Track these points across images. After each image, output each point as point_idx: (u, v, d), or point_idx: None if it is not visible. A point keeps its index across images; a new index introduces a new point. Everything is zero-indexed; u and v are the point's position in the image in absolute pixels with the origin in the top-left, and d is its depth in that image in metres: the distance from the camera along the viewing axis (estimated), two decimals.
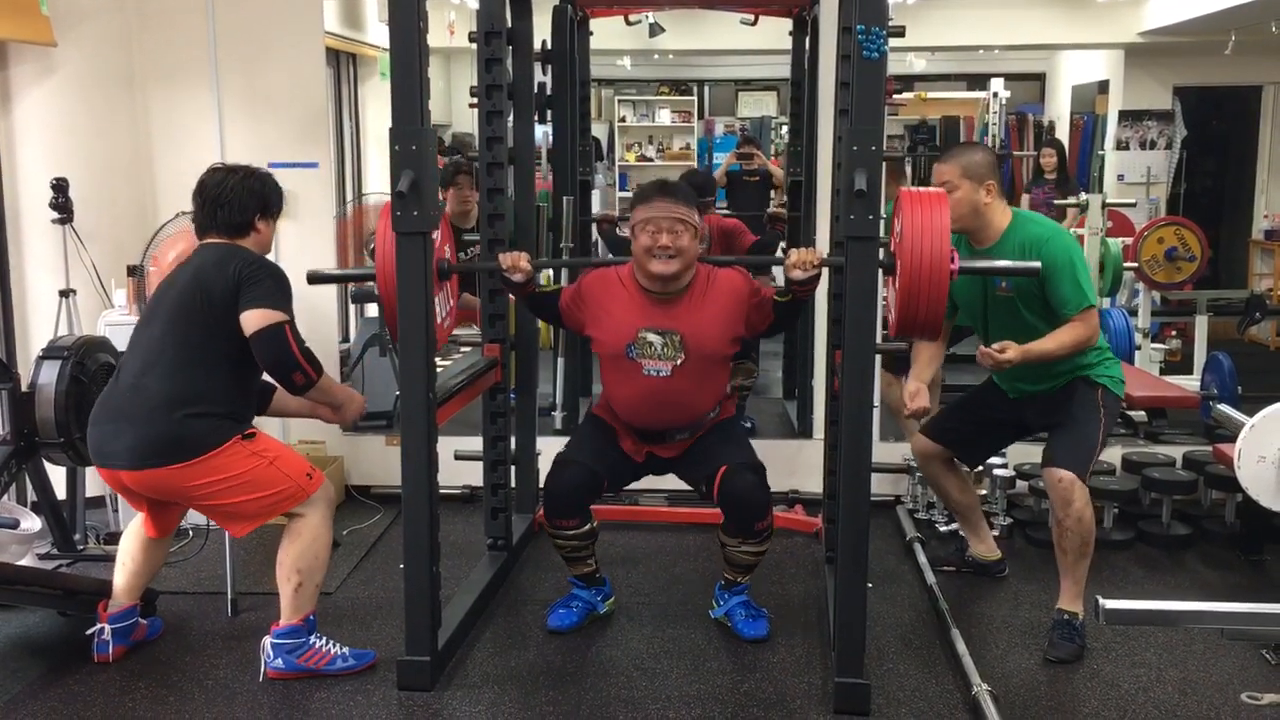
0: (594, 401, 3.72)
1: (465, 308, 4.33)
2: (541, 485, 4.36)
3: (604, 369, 3.51)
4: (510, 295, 3.70)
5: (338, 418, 3.39)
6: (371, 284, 3.31)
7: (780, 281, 3.32)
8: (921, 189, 2.97)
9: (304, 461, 3.24)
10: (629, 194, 11.49)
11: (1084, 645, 3.35)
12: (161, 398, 3.02)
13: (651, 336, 3.34)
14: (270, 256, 3.28)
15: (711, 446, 3.45)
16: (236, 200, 3.18)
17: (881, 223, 2.95)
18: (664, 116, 11.56)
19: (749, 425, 5.43)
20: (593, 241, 6.01)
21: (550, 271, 4.24)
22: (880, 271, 2.96)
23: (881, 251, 2.96)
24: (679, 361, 3.33)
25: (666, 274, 3.28)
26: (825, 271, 3.36)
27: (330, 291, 4.92)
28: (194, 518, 4.30)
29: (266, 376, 3.21)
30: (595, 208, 6.51)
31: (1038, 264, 3.15)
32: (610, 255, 6.02)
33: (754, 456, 3.45)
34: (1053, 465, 3.35)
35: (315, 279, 3.38)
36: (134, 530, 3.33)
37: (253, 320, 3.02)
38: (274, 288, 3.09)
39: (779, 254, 5.95)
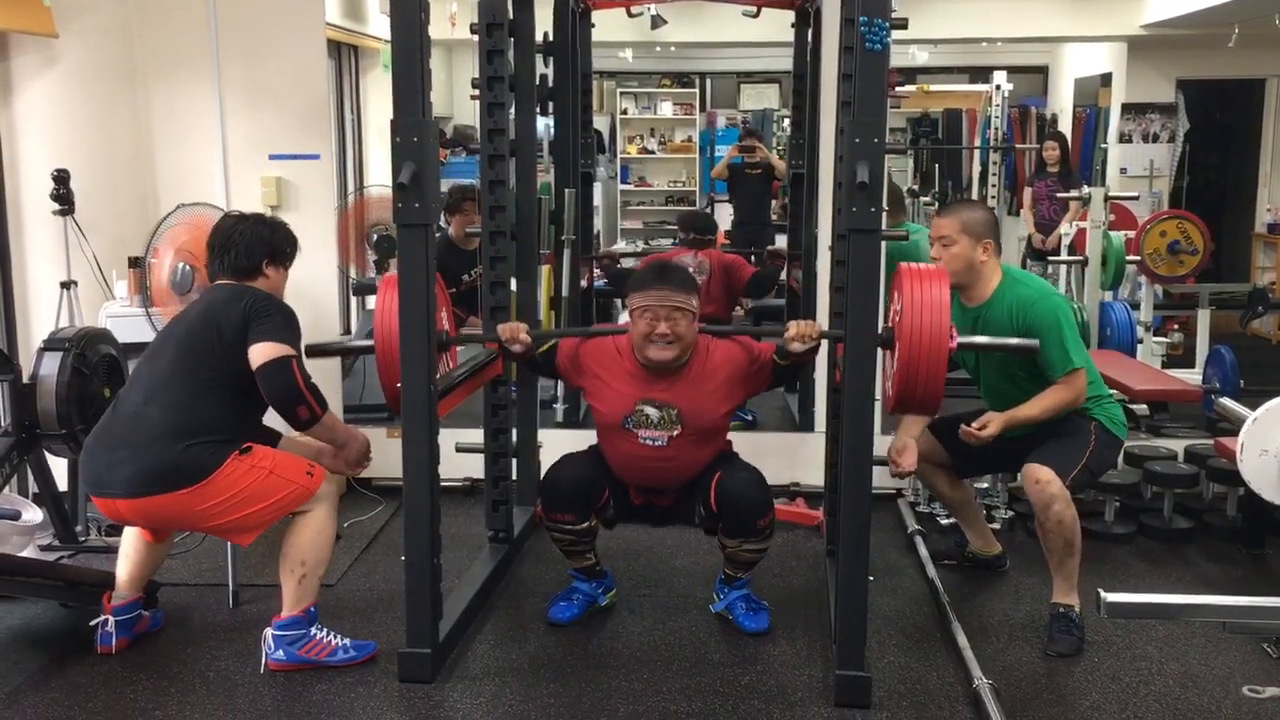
0: None
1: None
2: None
3: (600, 432, 3.51)
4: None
5: (341, 458, 3.38)
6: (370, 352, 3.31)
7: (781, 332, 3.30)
8: (921, 265, 3.00)
9: (303, 461, 3.24)
10: (631, 187, 11.50)
11: (1083, 637, 3.34)
12: (164, 427, 3.02)
13: (649, 410, 3.34)
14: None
15: (703, 474, 3.43)
16: (244, 245, 3.25)
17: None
18: (666, 109, 11.54)
19: (750, 419, 5.43)
20: (594, 273, 6.00)
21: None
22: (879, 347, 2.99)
23: (880, 326, 2.99)
24: (675, 433, 3.34)
25: (664, 361, 3.29)
26: (828, 266, 3.36)
27: (331, 284, 4.92)
28: None
29: (272, 418, 3.21)
30: (597, 200, 6.51)
31: (1036, 342, 3.18)
32: (613, 289, 6.06)
33: (749, 465, 3.46)
34: (1033, 464, 3.34)
35: (314, 352, 3.38)
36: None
37: (260, 353, 3.05)
38: (283, 323, 3.12)
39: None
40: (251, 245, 3.26)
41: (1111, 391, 3.67)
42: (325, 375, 4.78)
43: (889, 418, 5.07)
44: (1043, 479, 3.28)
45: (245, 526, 3.14)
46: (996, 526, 4.17)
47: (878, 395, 3.21)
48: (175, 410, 3.04)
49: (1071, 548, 3.33)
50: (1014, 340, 3.26)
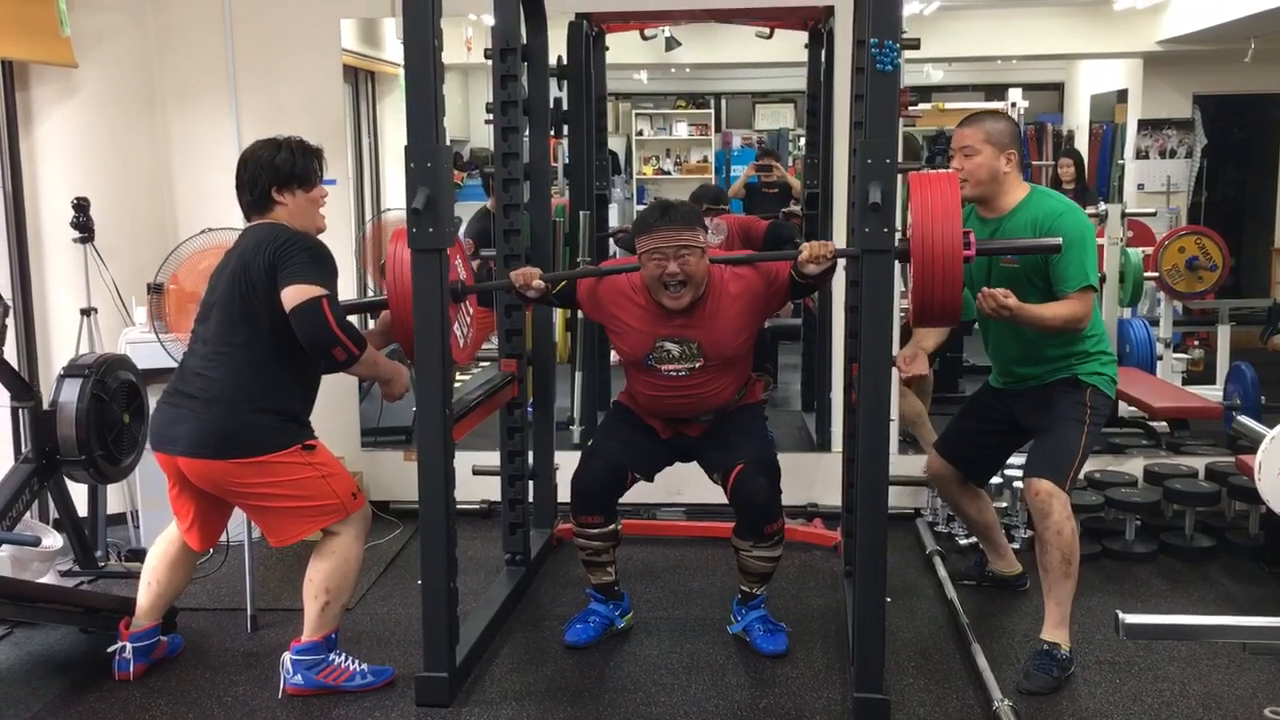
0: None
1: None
2: (560, 499, 4.41)
3: (624, 367, 3.55)
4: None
5: (385, 391, 3.33)
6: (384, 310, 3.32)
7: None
8: (933, 173, 2.94)
9: (353, 482, 3.23)
10: (646, 208, 11.51)
11: (1062, 678, 3.22)
12: (223, 390, 3.02)
13: (670, 345, 3.35)
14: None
15: (731, 436, 3.45)
16: (248, 176, 3.12)
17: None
18: (681, 130, 11.57)
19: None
20: (610, 255, 6.03)
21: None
22: (896, 260, 2.92)
23: (896, 238, 2.92)
24: (697, 365, 3.35)
25: (679, 308, 3.29)
26: (842, 285, 3.31)
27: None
28: None
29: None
30: (612, 222, 6.54)
31: (1058, 240, 3.09)
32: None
33: (770, 452, 3.47)
34: (1031, 476, 3.30)
35: None
36: (160, 550, 3.32)
37: (289, 297, 2.94)
38: (308, 261, 2.99)
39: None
40: (254, 175, 3.11)
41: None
42: (342, 398, 4.82)
43: (905, 439, 5.07)
44: (1042, 491, 3.24)
45: (282, 520, 3.11)
46: (1016, 546, 4.14)
47: (893, 415, 3.20)
48: (231, 371, 3.02)
49: (1068, 566, 3.23)
50: (1033, 240, 3.17)
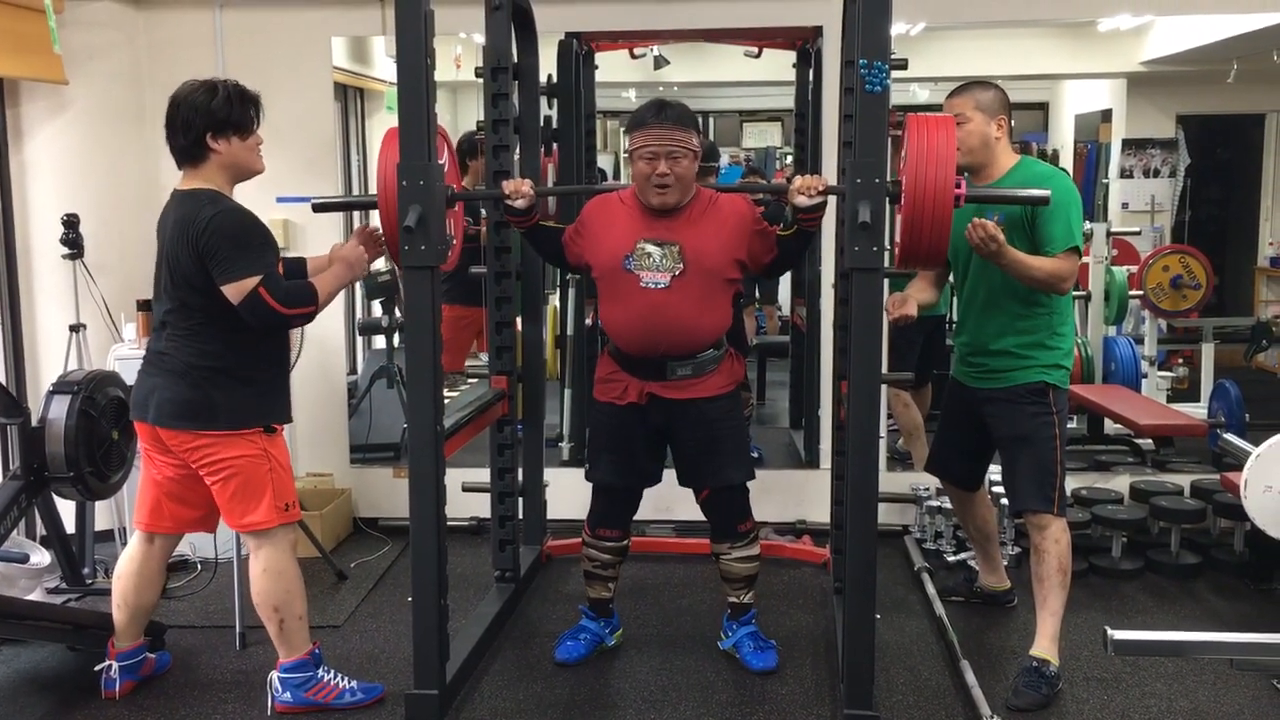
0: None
1: None
2: (549, 515, 4.42)
3: (602, 297, 3.44)
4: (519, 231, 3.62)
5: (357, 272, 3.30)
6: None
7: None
8: (929, 115, 2.93)
9: (293, 493, 3.19)
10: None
11: (1051, 694, 3.23)
12: (180, 365, 3.02)
13: (650, 247, 3.28)
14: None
15: (714, 451, 3.40)
16: (181, 120, 3.00)
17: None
18: None
19: (756, 455, 5.43)
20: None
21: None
22: (886, 199, 2.90)
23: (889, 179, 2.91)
24: (678, 272, 3.26)
25: (664, 205, 3.27)
26: (831, 297, 3.31)
27: (338, 324, 4.94)
28: (203, 550, 4.32)
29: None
30: None
31: (1047, 191, 3.05)
32: None
33: (748, 470, 3.47)
34: (1024, 511, 3.36)
35: (320, 207, 3.41)
36: (122, 571, 3.29)
37: (230, 295, 2.93)
38: (231, 251, 2.91)
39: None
40: (188, 119, 2.98)
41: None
42: (332, 415, 4.82)
43: (894, 455, 5.10)
44: (1036, 515, 3.31)
45: (234, 499, 3.07)
46: (1004, 563, 4.15)
47: (883, 433, 3.21)
48: (196, 352, 3.01)
49: (1065, 576, 3.28)
50: (1022, 190, 3.15)
